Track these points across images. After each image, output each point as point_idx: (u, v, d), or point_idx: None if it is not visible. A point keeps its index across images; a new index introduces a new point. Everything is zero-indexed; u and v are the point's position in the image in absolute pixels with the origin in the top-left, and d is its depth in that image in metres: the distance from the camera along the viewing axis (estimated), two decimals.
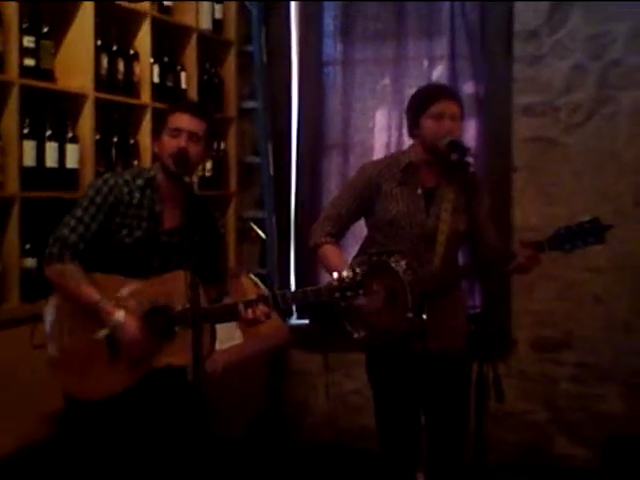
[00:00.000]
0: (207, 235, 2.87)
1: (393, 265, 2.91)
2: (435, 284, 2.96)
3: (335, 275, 2.67)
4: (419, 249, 3.01)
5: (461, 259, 3.26)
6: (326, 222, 3.14)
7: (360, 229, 3.39)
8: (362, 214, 3.18)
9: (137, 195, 2.84)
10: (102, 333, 2.70)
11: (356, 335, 3.01)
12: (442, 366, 3.06)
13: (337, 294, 2.67)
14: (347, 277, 2.65)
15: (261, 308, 2.69)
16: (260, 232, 4.80)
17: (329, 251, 3.11)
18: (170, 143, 2.80)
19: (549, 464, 4.36)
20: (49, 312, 2.85)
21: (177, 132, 2.80)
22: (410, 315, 2.87)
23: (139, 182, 2.86)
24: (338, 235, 3.16)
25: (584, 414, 4.33)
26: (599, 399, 4.30)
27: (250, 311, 2.69)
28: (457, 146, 2.94)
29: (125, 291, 2.78)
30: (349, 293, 2.66)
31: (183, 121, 2.81)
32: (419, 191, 3.05)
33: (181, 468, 2.85)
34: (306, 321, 4.79)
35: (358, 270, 2.66)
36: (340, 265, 2.98)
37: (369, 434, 4.30)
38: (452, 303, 3.10)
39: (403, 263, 2.90)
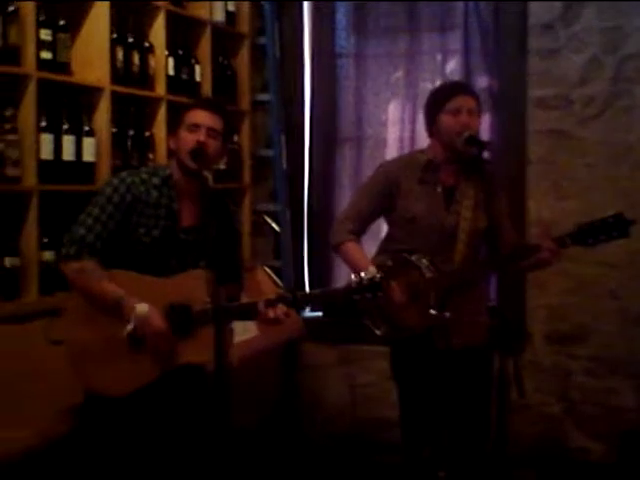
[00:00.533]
0: (225, 231, 2.85)
1: (416, 262, 2.94)
2: (457, 281, 2.97)
3: (353, 277, 2.69)
4: (440, 246, 3.01)
5: (481, 255, 3.24)
6: (347, 221, 3.16)
7: (376, 227, 3.43)
8: (382, 212, 3.19)
9: (154, 193, 2.82)
10: (129, 327, 2.68)
11: (378, 332, 3.05)
12: (465, 361, 3.07)
13: (356, 296, 2.68)
14: (365, 279, 2.66)
15: (281, 307, 2.69)
16: (274, 225, 4.80)
17: (352, 249, 3.13)
18: (188, 138, 2.78)
19: (563, 456, 4.37)
20: (69, 307, 2.85)
21: (195, 128, 2.78)
22: (433, 312, 2.89)
23: (156, 180, 2.85)
24: (359, 233, 3.17)
25: (598, 407, 4.33)
26: (613, 393, 4.30)
27: (270, 310, 2.69)
28: (475, 141, 2.96)
29: (144, 288, 2.76)
30: (368, 295, 2.67)
31: (201, 117, 2.80)
32: (439, 189, 3.07)
33: (197, 463, 2.86)
34: (319, 314, 4.79)
35: (377, 272, 2.68)
36: (364, 262, 3.02)
37: (384, 426, 4.36)
38: (474, 299, 3.10)
39: (425, 260, 2.94)
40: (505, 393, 2.74)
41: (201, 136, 2.77)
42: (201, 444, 2.86)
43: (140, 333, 2.70)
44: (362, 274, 2.67)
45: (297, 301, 2.75)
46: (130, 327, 2.68)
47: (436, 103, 3.08)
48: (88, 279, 2.75)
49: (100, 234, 2.76)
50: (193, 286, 2.75)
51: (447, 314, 2.91)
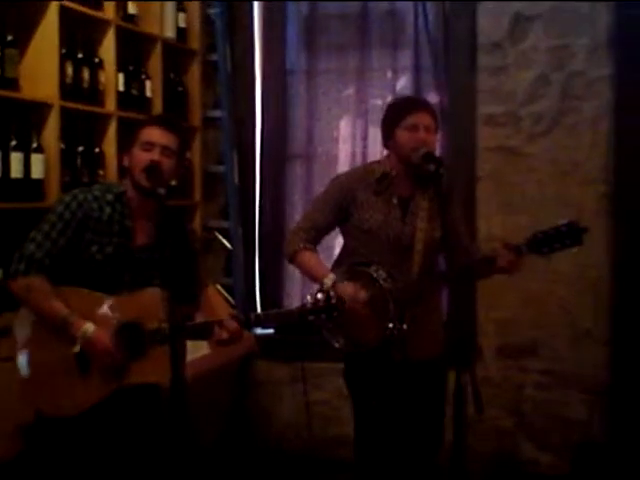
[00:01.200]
0: (181, 250, 2.79)
1: (373, 274, 2.93)
2: (414, 292, 2.97)
3: (309, 297, 2.68)
4: (397, 258, 3.02)
5: (439, 266, 3.28)
6: (301, 231, 3.15)
7: (330, 241, 3.46)
8: (336, 224, 3.19)
9: (107, 210, 2.79)
10: (76, 348, 2.65)
11: (336, 344, 3.03)
12: (420, 374, 3.08)
13: (311, 317, 2.67)
14: (321, 300, 2.65)
15: (235, 328, 2.68)
16: (225, 242, 4.77)
17: (308, 257, 3.11)
18: (142, 157, 2.75)
19: (516, 469, 4.40)
20: (17, 325, 2.79)
21: (149, 146, 2.76)
22: (391, 325, 2.89)
23: (109, 197, 2.81)
24: (314, 243, 3.16)
25: (549, 420, 4.37)
26: (564, 406, 4.35)
27: (224, 331, 2.68)
28: (432, 158, 2.99)
29: (95, 306, 2.73)
30: (323, 316, 2.67)
31: (156, 135, 2.77)
32: (395, 200, 3.09)
33: None
34: (271, 331, 4.76)
35: (332, 293, 2.67)
36: (322, 270, 3.04)
37: (337, 443, 4.34)
38: (431, 311, 3.13)
39: (382, 272, 2.93)
40: (462, 409, 2.74)
41: (155, 155, 2.75)
42: (155, 463, 2.82)
43: (87, 353, 2.66)
44: (318, 295, 2.66)
45: (251, 322, 2.74)
46: (77, 348, 2.66)
47: (393, 118, 3.09)
48: (35, 297, 2.71)
49: (49, 251, 2.72)
50: (146, 304, 2.72)
51: (405, 326, 2.91)
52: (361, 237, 3.09)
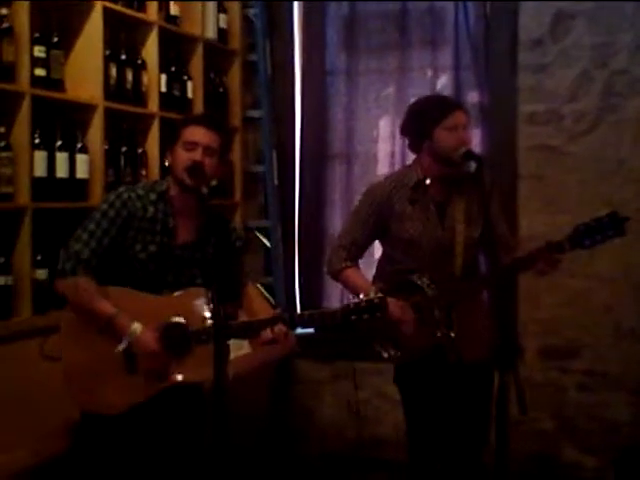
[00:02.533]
0: (223, 248, 2.81)
1: (416, 281, 2.95)
2: (459, 295, 2.98)
3: (352, 297, 2.69)
4: (438, 262, 3.02)
5: (480, 267, 3.27)
6: (341, 249, 3.15)
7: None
8: (376, 237, 3.19)
9: (151, 209, 2.81)
10: (121, 347, 2.68)
11: (386, 355, 3.04)
12: (472, 376, 3.08)
13: (353, 317, 2.66)
14: (363, 300, 2.64)
15: (280, 328, 2.68)
16: (265, 241, 4.79)
17: (351, 275, 3.11)
18: (184, 156, 2.77)
19: (558, 473, 4.36)
20: (64, 325, 2.82)
21: (192, 145, 2.77)
22: (439, 333, 2.92)
23: (152, 196, 2.83)
24: (355, 259, 3.16)
25: (592, 422, 4.32)
26: (607, 407, 4.29)
27: (269, 331, 2.69)
28: (473, 155, 2.99)
29: (140, 306, 2.75)
30: (366, 316, 2.65)
31: (198, 134, 2.78)
32: (432, 207, 3.08)
33: None
34: (311, 330, 4.77)
35: (374, 294, 2.66)
36: (366, 285, 3.01)
37: (378, 443, 4.33)
38: (478, 312, 3.12)
39: (425, 279, 2.95)
40: (505, 410, 2.72)
41: (197, 155, 2.76)
42: (197, 462, 2.83)
43: (133, 351, 2.69)
44: (361, 295, 2.65)
45: (295, 322, 2.75)
46: (123, 346, 2.67)
47: (432, 119, 3.04)
48: (82, 296, 2.73)
49: (95, 250, 2.75)
50: (190, 304, 2.74)
51: (452, 334, 2.93)
52: (401, 246, 3.10)
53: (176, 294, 2.78)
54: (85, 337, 2.76)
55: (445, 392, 3.07)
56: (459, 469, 3.15)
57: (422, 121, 3.06)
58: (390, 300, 2.83)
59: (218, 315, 2.49)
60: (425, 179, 3.07)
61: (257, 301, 4.35)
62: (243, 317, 2.86)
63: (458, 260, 3.02)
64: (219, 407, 2.45)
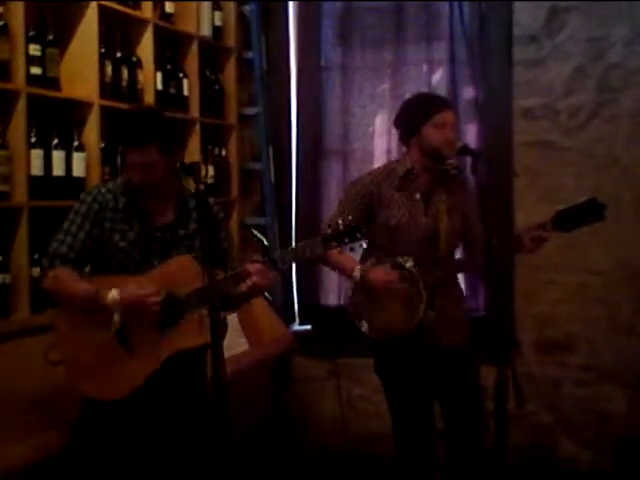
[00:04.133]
0: (206, 221, 2.81)
1: (402, 263, 3.09)
2: (439, 280, 3.14)
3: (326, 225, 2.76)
4: (422, 249, 3.16)
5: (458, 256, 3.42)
6: None
7: None
8: (362, 222, 3.19)
9: (122, 199, 2.85)
10: (115, 322, 2.70)
11: (365, 329, 3.18)
12: (450, 359, 3.20)
13: (334, 243, 2.69)
14: (341, 224, 2.67)
15: (257, 270, 2.69)
16: (262, 238, 4.79)
17: (336, 255, 3.19)
18: (131, 176, 2.80)
19: (554, 466, 4.37)
20: (56, 323, 2.85)
21: (132, 166, 2.78)
22: (421, 312, 3.05)
23: (123, 188, 2.87)
24: None
25: (589, 416, 4.35)
26: (603, 401, 4.32)
27: (248, 280, 2.68)
28: (468, 151, 3.06)
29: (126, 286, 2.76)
30: (346, 239, 2.68)
31: (132, 156, 2.77)
32: (417, 196, 3.21)
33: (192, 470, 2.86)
34: (309, 327, 4.79)
35: (350, 217, 2.71)
36: (351, 263, 3.18)
37: (376, 439, 4.34)
38: (455, 299, 3.27)
39: (411, 261, 3.10)
40: (503, 404, 2.74)
41: (138, 178, 2.77)
42: (197, 454, 2.86)
43: (127, 318, 2.70)
44: (339, 220, 2.69)
45: (274, 262, 2.74)
46: (116, 319, 2.70)
47: (420, 115, 3.16)
48: (63, 284, 2.77)
49: (71, 245, 2.79)
50: (175, 273, 2.77)
51: (433, 312, 3.09)
52: (387, 233, 3.21)
53: (160, 267, 2.80)
54: (78, 329, 2.79)
55: (423, 377, 3.20)
56: (460, 456, 3.24)
57: (412, 117, 3.20)
58: (375, 267, 3.10)
59: (210, 274, 2.52)
60: (413, 169, 3.20)
61: (258, 306, 4.30)
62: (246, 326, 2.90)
63: (442, 247, 3.16)
64: (217, 376, 2.46)
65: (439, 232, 3.16)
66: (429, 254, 3.15)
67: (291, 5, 4.78)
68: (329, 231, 2.70)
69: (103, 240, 2.81)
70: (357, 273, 3.15)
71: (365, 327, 3.18)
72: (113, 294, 2.70)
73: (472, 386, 3.24)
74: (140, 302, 2.70)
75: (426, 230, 3.18)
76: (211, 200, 2.99)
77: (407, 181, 3.20)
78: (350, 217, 2.76)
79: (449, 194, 3.21)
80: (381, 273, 3.10)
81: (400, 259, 3.10)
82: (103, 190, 2.86)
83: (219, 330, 2.61)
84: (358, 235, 2.68)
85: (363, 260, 3.27)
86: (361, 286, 3.17)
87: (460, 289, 3.40)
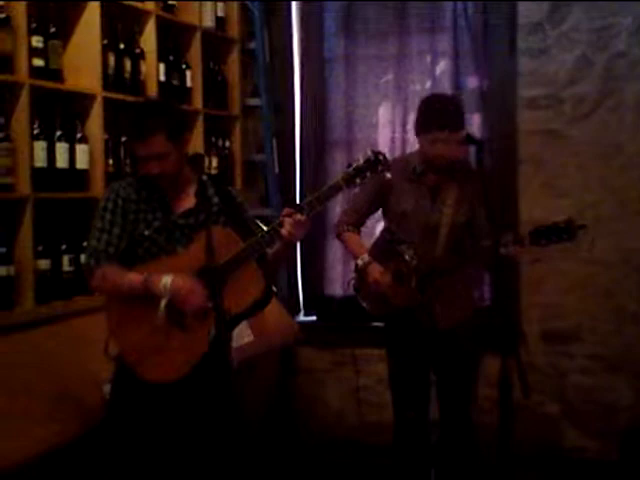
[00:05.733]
0: (227, 203, 2.89)
1: (401, 251, 3.33)
2: (437, 268, 3.32)
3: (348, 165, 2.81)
4: (425, 238, 3.38)
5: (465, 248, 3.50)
6: (344, 216, 3.64)
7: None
8: (376, 208, 3.59)
9: (143, 192, 2.87)
10: (162, 305, 2.70)
11: (364, 304, 3.52)
12: (446, 339, 3.42)
13: (357, 180, 2.72)
14: (361, 161, 2.71)
15: (292, 217, 2.69)
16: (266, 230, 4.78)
17: (350, 238, 3.56)
18: (147, 170, 2.80)
19: (560, 456, 4.37)
20: (107, 318, 2.85)
21: (145, 160, 2.79)
22: (413, 299, 3.31)
23: (141, 180, 2.88)
24: (357, 225, 3.59)
25: (595, 406, 4.34)
26: (610, 391, 4.31)
27: (285, 227, 2.69)
28: (473, 140, 3.06)
29: (168, 268, 2.78)
30: (368, 173, 2.72)
31: (142, 149, 2.77)
32: (425, 189, 3.42)
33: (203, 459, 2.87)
34: (314, 318, 4.79)
35: (369, 152, 2.74)
36: (359, 249, 3.50)
37: (380, 429, 4.33)
38: (456, 286, 3.40)
39: (411, 250, 3.33)
40: (509, 394, 2.74)
41: (153, 169, 2.78)
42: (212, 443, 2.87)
43: (176, 303, 2.71)
44: (359, 156, 2.75)
45: (303, 209, 2.72)
46: (164, 303, 2.71)
47: (419, 126, 3.36)
48: (112, 279, 2.80)
49: (109, 241, 2.82)
50: (206, 246, 2.68)
51: (425, 301, 3.32)
52: (396, 219, 3.46)
53: (192, 243, 2.81)
54: (130, 320, 2.79)
55: (420, 353, 3.46)
56: (446, 426, 3.50)
57: (416, 121, 3.40)
58: (373, 264, 3.39)
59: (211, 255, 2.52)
60: (421, 167, 3.39)
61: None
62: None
63: (441, 239, 3.36)
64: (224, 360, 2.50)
65: (441, 224, 3.36)
66: (430, 243, 3.36)
67: None
68: (350, 170, 2.71)
69: (132, 231, 2.84)
70: (360, 262, 3.45)
71: (365, 304, 3.53)
72: (166, 280, 2.71)
73: (464, 366, 3.45)
74: (185, 295, 2.71)
75: (430, 222, 3.38)
76: (229, 187, 3.04)
77: (417, 175, 3.39)
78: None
79: (459, 187, 3.37)
80: (376, 272, 3.38)
81: (403, 247, 3.34)
82: (123, 184, 2.90)
83: (267, 297, 2.80)
84: (380, 167, 2.71)
85: (377, 240, 3.62)
86: (361, 273, 3.46)
87: (466, 276, 3.53)
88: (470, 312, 3.49)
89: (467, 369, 3.47)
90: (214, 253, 2.54)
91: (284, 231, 2.70)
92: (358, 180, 2.72)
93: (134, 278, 2.76)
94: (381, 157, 2.72)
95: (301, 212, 2.71)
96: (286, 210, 2.75)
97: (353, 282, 3.54)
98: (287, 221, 2.70)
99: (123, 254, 2.83)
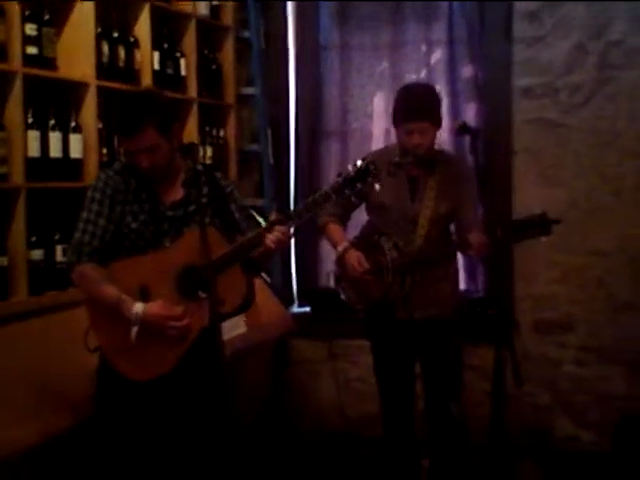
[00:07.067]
0: (215, 193, 2.87)
1: (381, 243, 3.33)
2: (417, 260, 3.31)
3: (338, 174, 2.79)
4: (404, 230, 3.36)
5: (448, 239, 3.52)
6: (330, 208, 3.46)
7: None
8: (361, 200, 3.48)
9: (132, 182, 2.85)
10: (133, 333, 2.71)
11: (344, 297, 3.52)
12: (428, 331, 3.43)
13: (347, 190, 2.69)
14: (350, 171, 2.68)
15: (278, 229, 2.69)
16: (261, 220, 4.76)
17: (331, 229, 3.54)
18: (138, 163, 2.78)
19: (553, 446, 4.38)
20: (88, 312, 2.85)
21: (135, 154, 2.76)
22: (391, 291, 3.30)
23: (130, 170, 2.85)
24: (341, 217, 3.56)
25: (587, 396, 4.34)
26: (602, 381, 4.31)
27: (270, 235, 2.69)
28: (467, 129, 3.10)
29: (149, 267, 2.77)
30: (359, 185, 2.69)
31: (132, 144, 2.75)
32: (405, 180, 3.39)
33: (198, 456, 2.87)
34: (308, 309, 4.78)
35: (359, 162, 2.72)
36: (340, 240, 3.47)
37: (374, 421, 4.33)
38: (437, 277, 3.40)
39: (390, 243, 3.32)
40: (502, 384, 2.75)
41: (144, 162, 2.75)
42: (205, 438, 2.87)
43: (151, 327, 2.71)
44: (349, 167, 2.72)
45: (291, 217, 2.73)
46: (134, 332, 2.71)
47: (395, 117, 3.34)
48: (89, 284, 2.80)
49: (94, 233, 2.79)
50: (191, 245, 2.71)
51: (398, 289, 3.31)
52: (376, 212, 3.46)
53: (174, 243, 2.80)
54: (109, 313, 2.76)
55: (401, 345, 3.47)
56: (430, 418, 3.51)
57: (392, 112, 3.38)
58: (350, 250, 3.38)
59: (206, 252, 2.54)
60: (399, 159, 3.31)
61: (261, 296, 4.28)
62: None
63: (420, 231, 3.34)
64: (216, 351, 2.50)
65: (419, 217, 3.33)
66: (410, 235, 3.34)
67: None
68: (340, 180, 2.70)
69: (118, 222, 2.82)
70: (340, 248, 3.43)
71: (344, 296, 3.52)
72: (137, 309, 2.70)
73: (446, 356, 3.44)
74: (162, 323, 2.71)
75: (409, 213, 3.36)
76: (218, 174, 3.00)
77: (398, 164, 3.30)
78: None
79: (441, 179, 3.35)
80: (354, 258, 3.36)
81: (383, 239, 3.33)
82: (111, 173, 2.86)
83: (250, 298, 2.76)
84: (369, 179, 2.68)
85: (360, 232, 3.56)
86: (340, 261, 3.45)
87: (449, 268, 3.50)
88: (450, 305, 3.46)
89: (448, 361, 3.46)
90: (209, 253, 2.55)
91: (269, 241, 2.69)
92: (347, 191, 2.68)
93: (108, 294, 2.74)
94: (372, 167, 2.68)
95: (289, 219, 2.71)
96: (274, 216, 2.74)
97: (334, 273, 3.58)
98: (276, 229, 2.69)
99: (109, 245, 2.81)
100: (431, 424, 3.52)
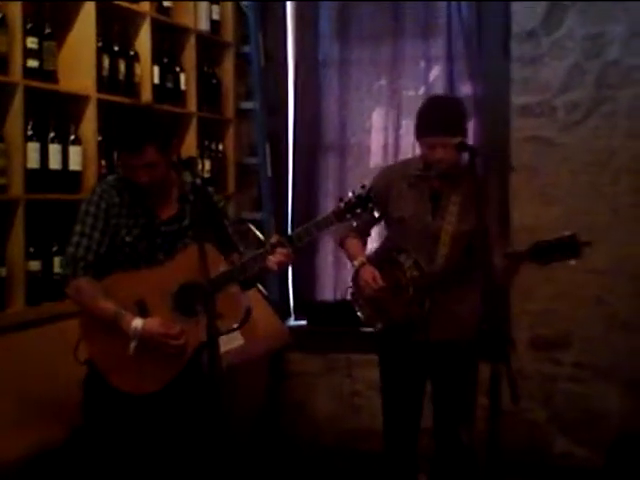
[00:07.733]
0: (208, 208, 2.85)
1: (401, 261, 3.18)
2: (438, 280, 3.16)
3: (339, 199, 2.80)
4: (425, 247, 3.20)
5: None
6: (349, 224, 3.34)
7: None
8: (381, 215, 3.32)
9: (126, 196, 2.85)
10: (131, 347, 2.71)
11: (361, 315, 3.36)
12: (444, 354, 3.26)
13: (348, 215, 2.75)
14: (352, 197, 2.74)
15: (280, 251, 2.72)
16: (259, 233, 4.79)
17: (349, 243, 3.39)
18: (137, 177, 2.78)
19: (548, 463, 4.38)
20: (81, 326, 2.84)
21: (135, 169, 2.77)
22: (409, 311, 3.15)
23: (125, 183, 2.85)
24: (361, 232, 3.41)
25: (583, 413, 4.35)
26: (598, 398, 4.32)
27: (273, 257, 2.72)
28: (466, 147, 3.08)
29: (144, 284, 2.77)
30: (359, 210, 2.74)
31: (133, 159, 2.75)
32: (426, 194, 3.25)
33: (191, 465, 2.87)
34: (304, 322, 4.79)
35: (360, 189, 2.76)
36: (357, 254, 3.32)
37: (370, 435, 4.34)
38: (457, 298, 3.24)
39: (410, 260, 3.17)
40: (498, 400, 2.75)
41: (142, 178, 2.76)
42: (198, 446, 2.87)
43: (147, 344, 2.71)
44: (349, 194, 2.76)
45: (292, 240, 2.76)
46: (133, 346, 2.71)
47: (416, 130, 3.23)
48: (85, 298, 2.78)
49: (89, 246, 2.78)
50: (190, 262, 2.70)
51: (417, 309, 3.15)
52: (395, 226, 3.32)
53: (172, 259, 2.81)
54: (103, 327, 2.76)
55: (414, 367, 3.30)
56: (438, 441, 3.34)
57: (415, 126, 3.25)
58: (366, 266, 3.23)
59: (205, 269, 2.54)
60: (421, 172, 3.24)
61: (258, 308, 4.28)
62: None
63: (442, 249, 3.18)
64: (213, 364, 2.51)
65: (441, 234, 3.18)
66: (431, 253, 3.18)
67: None
68: (341, 205, 2.75)
69: (112, 236, 2.81)
70: (356, 263, 3.28)
71: (360, 314, 3.36)
72: (137, 324, 2.71)
73: (461, 380, 3.28)
74: (160, 340, 2.72)
75: (430, 230, 3.21)
76: (211, 189, 3.01)
77: (420, 179, 3.24)
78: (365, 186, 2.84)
79: (464, 195, 3.18)
80: (368, 274, 3.21)
81: (402, 257, 3.18)
82: (106, 187, 2.85)
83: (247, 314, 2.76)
84: (370, 205, 2.73)
85: (378, 247, 3.46)
86: (355, 276, 3.31)
87: (469, 288, 3.29)
88: (471, 326, 3.28)
89: (463, 385, 3.28)
90: (207, 270, 2.55)
91: (271, 263, 2.72)
92: (349, 215, 2.75)
93: (106, 309, 2.73)
94: (372, 195, 2.75)
95: (290, 242, 2.74)
96: (276, 238, 2.76)
97: (351, 289, 3.39)
98: (278, 251, 2.72)
99: (103, 259, 2.80)
100: (438, 447, 3.36)
